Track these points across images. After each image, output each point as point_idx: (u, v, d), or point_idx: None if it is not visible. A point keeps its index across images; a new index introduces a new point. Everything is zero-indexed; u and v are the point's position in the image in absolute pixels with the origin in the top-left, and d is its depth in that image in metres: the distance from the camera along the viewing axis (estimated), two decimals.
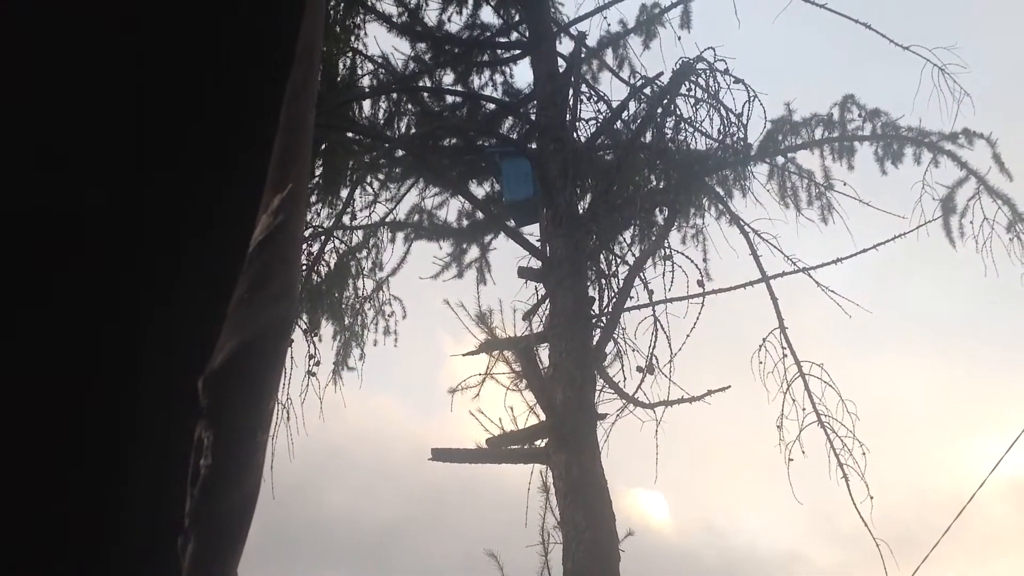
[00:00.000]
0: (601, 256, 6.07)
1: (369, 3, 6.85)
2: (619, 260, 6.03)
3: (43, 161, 0.69)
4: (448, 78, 7.31)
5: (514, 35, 7.33)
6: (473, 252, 7.28)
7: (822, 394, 5.85)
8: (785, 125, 6.48)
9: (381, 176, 7.19)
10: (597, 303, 5.88)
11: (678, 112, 6.10)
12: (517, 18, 7.30)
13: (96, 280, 0.70)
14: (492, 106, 7.23)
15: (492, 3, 7.24)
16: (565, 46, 7.02)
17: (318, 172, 6.48)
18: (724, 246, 6.25)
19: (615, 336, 5.83)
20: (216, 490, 0.70)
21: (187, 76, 0.73)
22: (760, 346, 5.95)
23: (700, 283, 5.89)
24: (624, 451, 5.79)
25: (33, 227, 0.68)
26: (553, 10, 7.24)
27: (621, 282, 5.87)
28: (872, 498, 5.55)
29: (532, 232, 6.41)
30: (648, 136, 6.17)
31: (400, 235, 7.20)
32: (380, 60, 6.98)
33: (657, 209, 6.25)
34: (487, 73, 7.29)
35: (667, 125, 6.10)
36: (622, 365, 5.84)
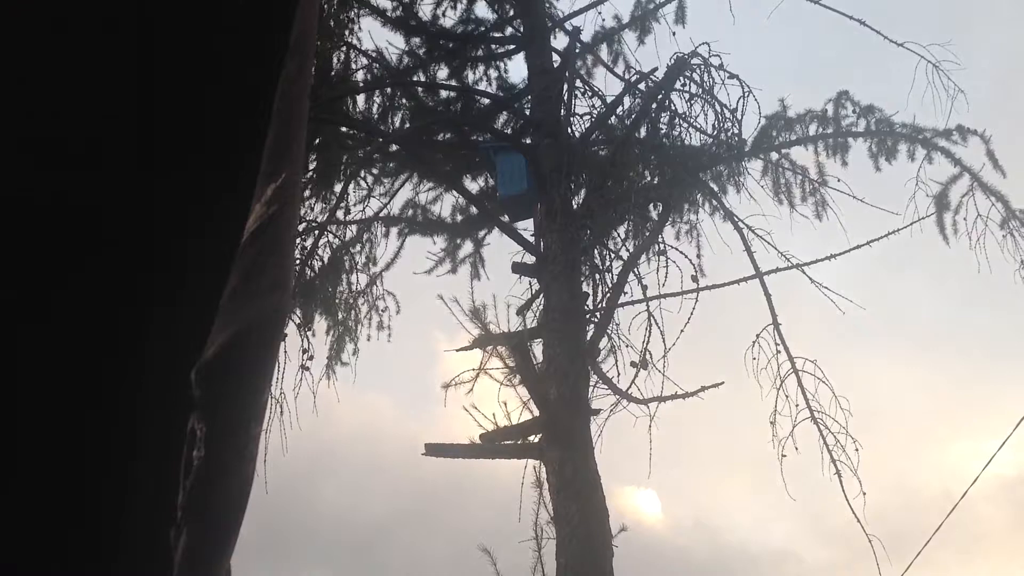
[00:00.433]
0: (595, 251, 6.07)
1: None
2: (613, 255, 6.03)
3: (37, 150, 0.68)
4: (442, 73, 7.30)
5: (508, 30, 7.32)
6: (467, 247, 7.28)
7: (815, 390, 5.87)
8: (779, 121, 6.48)
9: (375, 171, 7.18)
10: (591, 298, 5.88)
11: (673, 107, 6.11)
12: (511, 13, 7.29)
13: (90, 271, 0.69)
14: (487, 101, 7.22)
15: None
16: (560, 41, 7.04)
17: (312, 167, 6.46)
18: (718, 242, 6.26)
19: (609, 332, 5.83)
20: (209, 482, 0.69)
21: (181, 67, 0.72)
22: (754, 342, 5.96)
23: (694, 279, 5.90)
24: (617, 449, 5.80)
25: (32, 219, 0.67)
26: (547, 5, 7.23)
27: (615, 277, 5.87)
28: (865, 494, 5.56)
29: (526, 227, 6.42)
30: (643, 131, 6.17)
31: (394, 230, 7.20)
32: (374, 55, 6.97)
33: (651, 204, 6.25)
34: (481, 68, 7.28)
35: (661, 120, 6.10)
36: (616, 361, 5.85)
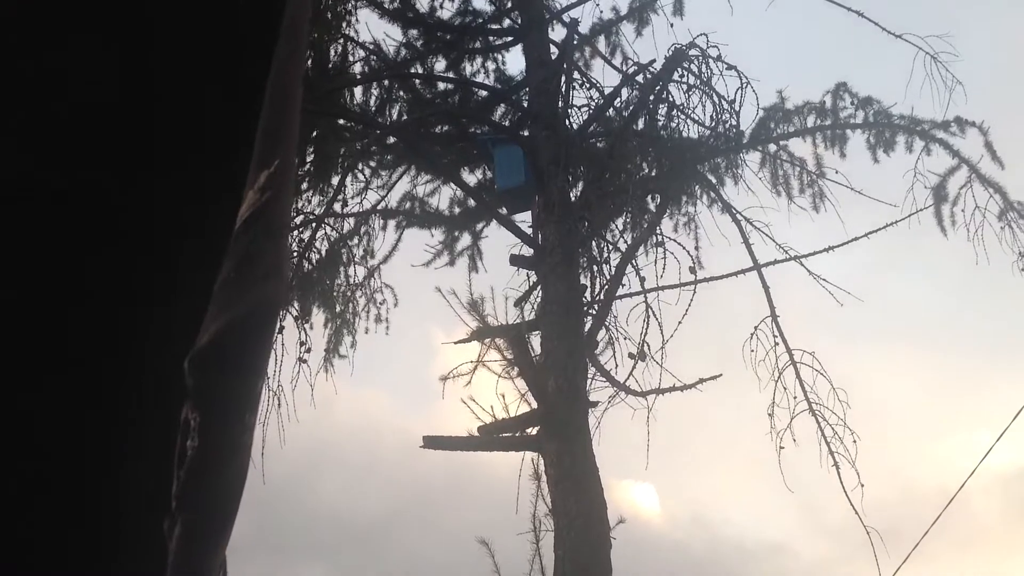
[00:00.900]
0: (593, 243, 6.07)
1: None
2: (611, 247, 6.03)
3: (36, 149, 0.67)
4: (440, 65, 7.28)
5: (506, 22, 7.30)
6: (465, 240, 7.28)
7: (813, 382, 5.88)
8: (777, 113, 6.48)
9: (372, 163, 7.17)
10: (589, 290, 5.88)
11: (670, 99, 6.10)
12: (509, 4, 7.27)
13: (90, 271, 0.68)
14: (484, 93, 7.21)
15: None
16: (557, 33, 7.01)
17: (309, 159, 6.44)
18: (716, 234, 6.27)
19: (607, 324, 5.84)
20: (203, 472, 0.68)
21: (170, 54, 0.71)
22: (752, 334, 5.97)
23: (692, 270, 5.91)
24: (615, 443, 5.81)
25: (32, 219, 0.66)
26: None
27: (613, 269, 5.87)
28: (863, 486, 5.58)
29: (524, 219, 6.40)
30: (640, 123, 6.16)
31: (392, 223, 7.19)
32: (371, 47, 6.94)
33: (649, 196, 6.25)
34: (479, 60, 7.26)
35: (659, 112, 6.09)
36: (614, 353, 5.86)
